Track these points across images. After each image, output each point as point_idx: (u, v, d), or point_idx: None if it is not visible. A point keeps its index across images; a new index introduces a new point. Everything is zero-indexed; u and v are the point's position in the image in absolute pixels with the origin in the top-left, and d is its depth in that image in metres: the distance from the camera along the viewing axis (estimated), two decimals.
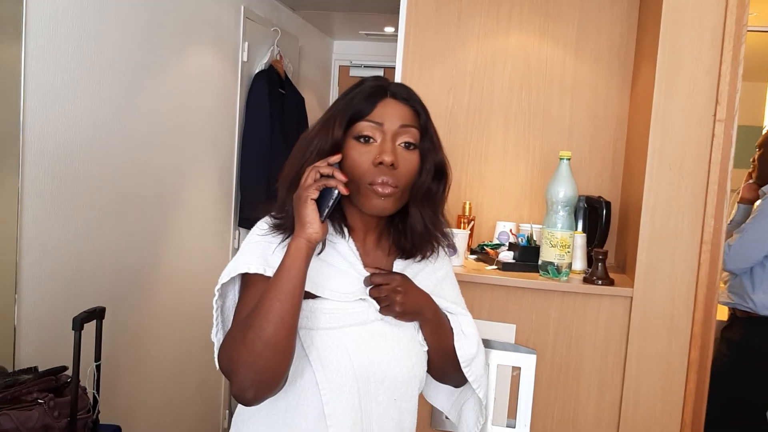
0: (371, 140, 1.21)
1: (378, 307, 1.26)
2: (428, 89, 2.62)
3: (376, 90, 1.24)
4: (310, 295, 1.20)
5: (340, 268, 1.25)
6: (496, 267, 2.21)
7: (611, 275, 2.12)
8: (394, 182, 1.20)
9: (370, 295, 1.25)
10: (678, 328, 2.05)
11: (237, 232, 3.66)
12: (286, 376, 1.14)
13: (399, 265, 1.33)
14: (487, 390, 1.43)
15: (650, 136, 2.04)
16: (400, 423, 1.29)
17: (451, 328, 1.35)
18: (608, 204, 2.33)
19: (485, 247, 2.36)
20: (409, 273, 1.32)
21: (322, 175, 1.13)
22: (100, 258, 2.52)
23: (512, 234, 2.36)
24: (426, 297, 1.31)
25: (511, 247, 2.28)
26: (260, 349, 1.07)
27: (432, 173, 1.27)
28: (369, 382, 1.22)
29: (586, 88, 2.56)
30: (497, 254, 2.26)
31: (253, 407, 1.19)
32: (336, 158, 1.17)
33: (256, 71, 3.77)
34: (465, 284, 2.12)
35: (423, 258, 1.34)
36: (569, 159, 2.12)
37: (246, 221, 3.63)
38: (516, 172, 2.59)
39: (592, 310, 2.11)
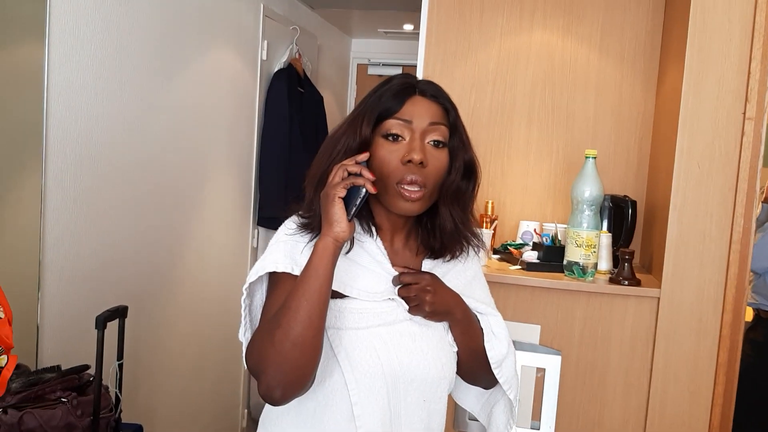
0: (400, 138, 1.19)
1: (407, 306, 1.23)
2: (450, 87, 2.53)
3: (405, 87, 1.22)
4: (338, 295, 1.19)
5: (368, 267, 1.23)
6: (520, 267, 2.19)
7: (637, 275, 2.09)
8: (422, 181, 1.17)
9: (399, 295, 1.23)
10: (706, 329, 2.02)
11: (256, 230, 3.65)
12: (314, 375, 1.12)
13: (427, 265, 1.30)
14: (518, 392, 1.41)
15: (678, 135, 2.01)
16: (429, 424, 1.27)
17: (481, 329, 1.31)
18: (634, 203, 2.30)
19: (509, 247, 2.33)
20: (438, 273, 1.29)
21: (349, 174, 1.12)
22: (122, 256, 2.52)
23: (536, 234, 2.33)
24: (456, 297, 1.28)
25: (535, 246, 2.25)
26: (288, 348, 1.07)
27: (461, 172, 1.24)
28: (398, 383, 1.20)
29: (611, 86, 2.52)
30: (521, 254, 2.24)
31: (281, 407, 1.18)
32: (364, 156, 1.15)
33: (275, 70, 3.74)
34: (489, 285, 2.11)
35: (452, 257, 1.31)
36: (595, 158, 2.09)
37: (265, 220, 3.62)
38: (539, 171, 2.56)
39: (619, 311, 2.08)
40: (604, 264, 2.21)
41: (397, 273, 1.26)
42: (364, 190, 1.10)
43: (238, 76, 3.37)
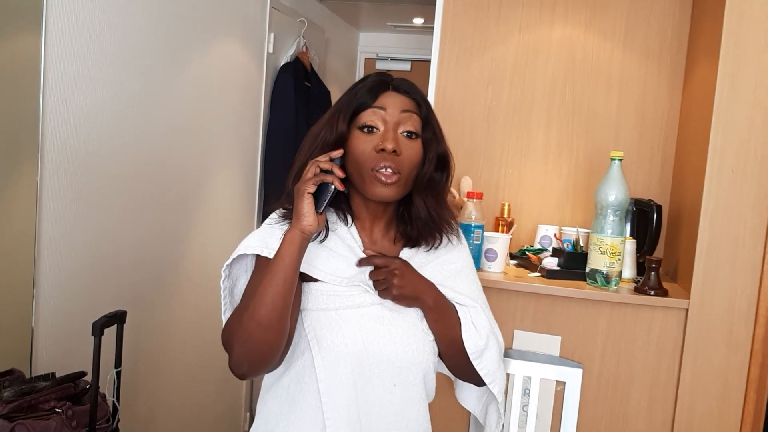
0: (374, 130, 1.27)
1: (375, 291, 1.29)
2: (466, 83, 2.49)
3: (379, 83, 1.31)
4: (311, 279, 1.28)
5: (338, 251, 1.30)
6: (539, 274, 2.07)
7: (664, 285, 1.97)
8: (396, 168, 1.24)
9: (370, 277, 1.29)
10: (737, 343, 1.91)
11: None
12: (278, 355, 1.21)
13: (406, 254, 1.35)
14: (504, 388, 1.40)
15: (711, 136, 1.89)
16: (402, 410, 1.29)
17: (459, 319, 1.34)
18: (659, 208, 2.18)
19: (527, 252, 2.22)
20: (415, 262, 1.34)
21: (321, 170, 1.20)
22: (120, 258, 2.42)
23: (556, 239, 2.22)
24: (427, 283, 1.32)
25: (555, 252, 2.14)
26: (253, 328, 1.16)
27: (434, 163, 1.32)
28: (363, 365, 1.25)
29: (635, 83, 2.41)
30: (540, 260, 2.13)
31: (268, 383, 1.33)
32: (338, 153, 1.23)
33: (282, 63, 3.65)
34: (507, 293, 2.01)
35: (431, 247, 1.36)
36: (621, 159, 1.98)
37: None
38: (558, 173, 2.45)
39: (644, 323, 1.97)
40: (628, 272, 2.10)
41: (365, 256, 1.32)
42: (332, 186, 1.19)
43: (243, 70, 3.27)
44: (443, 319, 1.34)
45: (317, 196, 1.20)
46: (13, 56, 2.01)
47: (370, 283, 1.30)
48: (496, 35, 2.46)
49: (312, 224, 1.18)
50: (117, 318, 1.97)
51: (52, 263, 2.10)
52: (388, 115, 1.27)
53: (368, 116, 1.28)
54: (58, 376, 1.97)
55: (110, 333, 1.99)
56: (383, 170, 1.24)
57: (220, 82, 3.05)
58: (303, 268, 1.24)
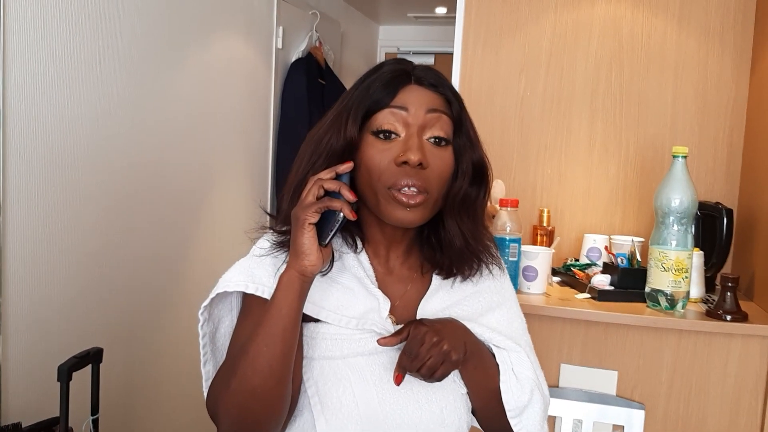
0: (393, 135, 1.00)
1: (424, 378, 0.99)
2: (495, 72, 2.17)
3: (398, 75, 1.02)
4: (310, 318, 1.02)
5: (345, 285, 1.04)
6: (588, 296, 1.75)
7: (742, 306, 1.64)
8: (422, 186, 0.97)
9: (408, 370, 0.99)
10: None
11: None
12: (278, 426, 0.97)
13: (437, 283, 1.09)
14: None
15: None
16: None
17: (497, 365, 1.07)
18: (729, 212, 1.85)
19: (572, 268, 1.89)
20: (448, 295, 1.09)
21: (326, 192, 0.94)
22: (107, 284, 2.13)
23: (607, 251, 1.88)
24: (459, 325, 1.05)
25: (607, 268, 1.81)
26: (244, 400, 0.93)
27: (470, 175, 1.04)
28: (379, 428, 0.99)
29: (693, 66, 2.09)
30: (588, 278, 1.80)
31: None
32: (346, 167, 0.96)
33: (293, 59, 3.41)
34: (549, 320, 1.70)
35: (468, 277, 1.10)
36: (686, 157, 1.65)
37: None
38: (605, 173, 2.13)
39: (719, 354, 1.65)
40: (696, 290, 1.77)
41: (381, 294, 1.04)
42: (341, 214, 0.93)
43: (249, 67, 2.99)
44: (482, 367, 1.06)
45: (321, 224, 0.94)
46: None
47: (387, 323, 1.03)
48: (528, 15, 2.16)
49: (315, 263, 0.92)
50: (90, 358, 1.68)
51: (20, 293, 1.83)
52: (410, 116, 1.00)
53: (385, 118, 1.00)
54: (27, 424, 1.70)
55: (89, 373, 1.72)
56: (405, 189, 0.97)
57: (223, 81, 2.77)
58: (305, 308, 0.98)
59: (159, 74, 2.34)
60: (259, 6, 3.04)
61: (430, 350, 0.96)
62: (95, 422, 1.75)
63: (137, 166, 2.25)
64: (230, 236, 2.88)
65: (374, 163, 0.99)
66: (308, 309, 1.00)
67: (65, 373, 1.60)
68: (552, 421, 1.66)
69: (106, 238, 2.12)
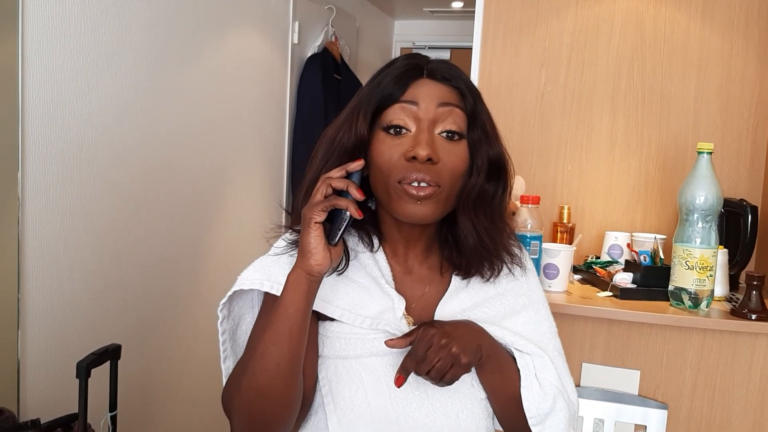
0: (404, 131, 0.98)
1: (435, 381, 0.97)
2: (514, 67, 2.14)
3: (409, 69, 1.00)
4: (327, 317, 1.02)
5: (359, 283, 1.03)
6: (610, 294, 1.72)
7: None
8: (433, 180, 0.95)
9: (417, 374, 0.97)
10: None
11: None
12: (290, 425, 0.97)
13: (456, 284, 1.06)
14: None
15: None
16: None
17: (517, 369, 1.04)
18: (754, 209, 1.81)
19: (593, 266, 1.86)
20: (472, 297, 1.06)
21: (334, 191, 0.93)
22: (124, 282, 2.13)
23: (630, 249, 1.85)
24: (474, 327, 1.02)
25: (629, 266, 1.78)
26: (253, 397, 0.92)
27: (485, 171, 1.00)
28: (391, 429, 0.98)
29: (716, 61, 2.05)
30: (610, 276, 1.77)
31: None
32: (357, 165, 0.95)
33: (309, 55, 3.38)
34: (571, 318, 1.67)
35: (490, 277, 1.06)
36: (711, 153, 1.62)
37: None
38: (626, 169, 2.10)
39: (744, 354, 1.62)
40: (720, 289, 1.75)
41: (396, 294, 1.03)
42: (347, 213, 0.92)
43: (265, 63, 2.97)
44: (500, 371, 1.03)
45: (331, 223, 0.94)
46: None
47: (402, 324, 1.01)
48: (548, 9, 2.13)
49: (321, 263, 0.91)
50: (108, 354, 1.68)
51: (39, 292, 1.82)
52: (421, 110, 0.98)
53: (395, 113, 0.98)
54: (46, 420, 1.70)
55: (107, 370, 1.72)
56: (415, 183, 0.95)
57: (238, 76, 2.76)
58: (318, 306, 0.98)
59: (175, 70, 2.33)
60: (275, 1, 3.02)
61: (438, 352, 0.94)
62: (113, 419, 1.74)
63: (154, 164, 2.25)
64: (246, 234, 2.87)
65: (384, 158, 0.97)
66: (322, 307, 1.00)
67: (84, 369, 1.60)
68: None
69: (123, 236, 2.12)
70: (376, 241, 1.05)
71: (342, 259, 1.00)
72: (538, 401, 1.02)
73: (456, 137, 0.98)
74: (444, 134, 0.98)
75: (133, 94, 2.13)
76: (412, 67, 1.00)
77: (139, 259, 2.20)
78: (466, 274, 1.05)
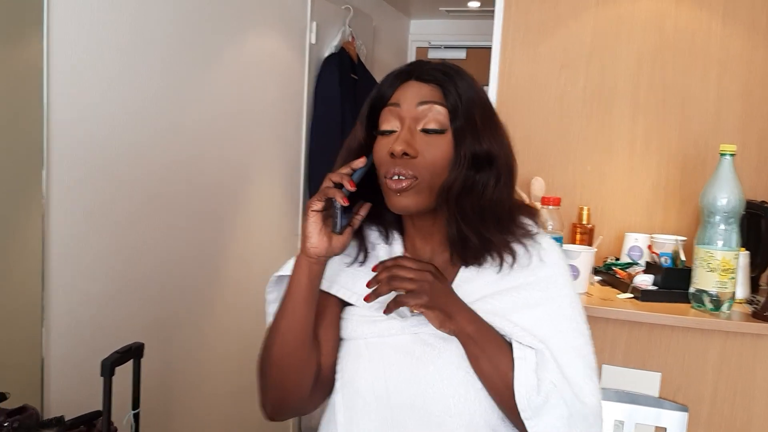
0: (393, 131, 1.07)
1: (407, 315, 1.05)
2: (534, 68, 2.15)
3: (399, 73, 1.09)
4: (348, 303, 1.12)
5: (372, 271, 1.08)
6: (631, 295, 1.72)
7: None
8: (410, 173, 1.03)
9: (379, 278, 1.02)
10: None
11: None
12: (303, 397, 1.07)
13: (464, 276, 1.08)
14: None
15: None
16: None
17: (512, 358, 1.02)
18: None
19: (613, 267, 1.86)
20: (483, 290, 1.07)
21: (335, 184, 1.03)
22: (144, 279, 2.15)
23: (651, 251, 1.85)
24: (462, 305, 1.03)
25: (650, 268, 1.78)
26: (267, 368, 1.06)
27: (469, 163, 1.04)
28: (393, 409, 1.03)
29: (738, 62, 2.05)
30: (630, 277, 1.77)
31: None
32: (359, 162, 1.05)
33: (326, 55, 3.38)
34: (592, 320, 1.65)
35: (501, 268, 1.07)
36: (733, 155, 1.61)
37: None
38: (646, 170, 2.10)
39: (766, 356, 1.64)
40: (741, 291, 1.74)
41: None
42: (338, 202, 1.01)
43: (283, 63, 2.98)
44: (488, 359, 1.02)
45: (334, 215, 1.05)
46: (11, 55, 1.76)
47: (405, 309, 1.06)
48: (568, 10, 2.13)
49: (317, 246, 1.02)
50: (132, 353, 1.70)
51: (63, 289, 1.85)
52: (403, 110, 1.06)
53: (385, 116, 1.08)
54: (69, 418, 1.72)
55: (130, 367, 1.73)
56: (394, 177, 1.04)
57: (257, 76, 2.77)
58: (324, 286, 1.09)
59: (196, 71, 2.35)
60: (293, 2, 3.04)
61: (412, 275, 0.99)
62: (136, 416, 1.76)
63: (174, 163, 2.27)
64: (264, 231, 2.89)
65: (377, 157, 1.07)
66: (341, 293, 1.10)
67: (108, 367, 1.61)
68: None
69: (144, 234, 2.14)
70: (392, 235, 1.13)
71: (361, 252, 1.11)
72: (529, 394, 0.99)
73: (435, 132, 1.04)
74: (424, 131, 1.04)
75: (154, 94, 2.15)
76: (401, 71, 1.09)
77: (160, 257, 2.22)
78: (466, 265, 1.08)
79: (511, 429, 1.06)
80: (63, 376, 1.88)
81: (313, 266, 1.03)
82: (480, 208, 1.05)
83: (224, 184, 2.59)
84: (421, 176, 1.03)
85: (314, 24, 3.21)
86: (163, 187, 2.22)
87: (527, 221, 1.11)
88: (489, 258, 1.07)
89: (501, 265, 1.07)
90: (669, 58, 2.07)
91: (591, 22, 2.11)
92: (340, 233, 1.03)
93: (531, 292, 1.08)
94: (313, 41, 3.22)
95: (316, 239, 1.02)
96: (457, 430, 1.01)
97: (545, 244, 1.11)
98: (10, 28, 1.75)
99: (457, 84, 1.06)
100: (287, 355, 1.04)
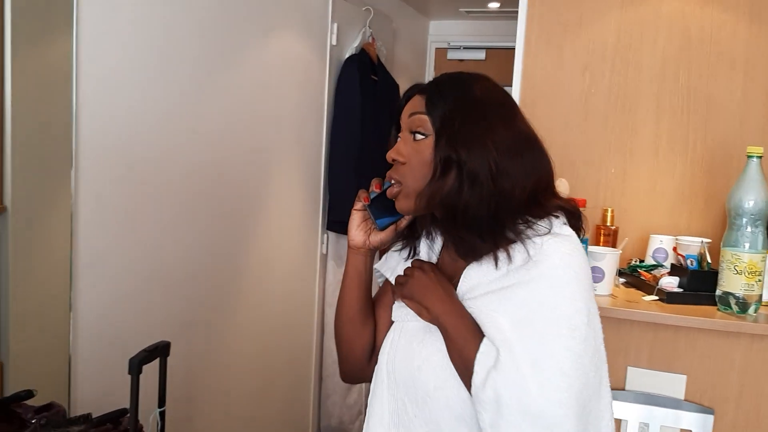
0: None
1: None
2: (558, 69, 2.14)
3: (409, 89, 1.17)
4: None
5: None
6: (656, 298, 1.72)
7: None
8: (396, 178, 1.12)
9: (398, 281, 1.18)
10: None
11: (325, 235, 3.27)
12: (359, 361, 1.22)
13: (468, 272, 1.11)
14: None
15: None
16: None
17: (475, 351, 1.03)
18: None
19: (638, 269, 1.86)
20: (476, 288, 1.08)
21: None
22: (169, 277, 2.17)
23: (677, 253, 1.84)
24: (439, 294, 1.10)
25: (675, 270, 1.77)
26: (335, 335, 1.26)
27: (441, 168, 1.06)
28: (398, 386, 1.13)
29: (765, 64, 2.03)
30: (656, 279, 1.76)
31: None
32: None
33: (347, 56, 3.38)
34: (616, 321, 1.67)
35: (501, 266, 1.07)
36: (760, 157, 1.60)
37: (334, 224, 3.24)
38: (671, 172, 2.08)
39: None
40: (766, 293, 1.72)
41: None
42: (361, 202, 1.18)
43: (304, 64, 3.00)
44: (455, 348, 1.06)
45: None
46: (41, 57, 1.79)
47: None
48: (593, 11, 2.11)
49: (353, 239, 1.18)
50: (159, 351, 1.72)
51: (90, 288, 1.87)
52: (402, 123, 1.16)
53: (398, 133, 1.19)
54: (96, 415, 1.74)
55: (155, 366, 1.75)
56: (391, 182, 1.15)
57: (279, 78, 2.79)
58: (388, 275, 1.23)
59: (220, 72, 2.37)
60: (314, 4, 3.05)
61: (408, 270, 1.15)
62: (162, 414, 1.78)
63: (199, 163, 2.28)
64: (285, 232, 2.91)
65: None
66: (391, 277, 1.22)
67: (136, 366, 1.63)
68: (618, 424, 1.64)
69: (168, 235, 2.16)
70: (433, 233, 1.21)
71: (409, 249, 1.22)
72: (477, 390, 1.00)
73: (419, 137, 1.10)
74: (414, 137, 1.11)
75: (180, 97, 2.17)
76: (410, 87, 1.17)
77: (184, 258, 2.24)
78: (467, 262, 1.11)
79: None
80: (89, 374, 1.90)
81: (354, 257, 1.19)
82: (453, 210, 1.06)
83: (247, 186, 2.61)
84: (405, 181, 1.11)
85: (335, 25, 3.22)
86: (188, 188, 2.24)
87: (540, 222, 1.07)
88: (485, 257, 1.09)
89: (496, 264, 1.07)
90: (694, 59, 2.05)
91: (615, 23, 2.10)
92: (382, 230, 1.17)
93: (517, 292, 1.04)
94: (334, 42, 3.23)
95: (353, 233, 1.18)
96: (441, 411, 1.08)
97: (547, 246, 1.04)
98: (40, 32, 1.78)
99: (444, 93, 1.10)
100: (340, 327, 1.22)
